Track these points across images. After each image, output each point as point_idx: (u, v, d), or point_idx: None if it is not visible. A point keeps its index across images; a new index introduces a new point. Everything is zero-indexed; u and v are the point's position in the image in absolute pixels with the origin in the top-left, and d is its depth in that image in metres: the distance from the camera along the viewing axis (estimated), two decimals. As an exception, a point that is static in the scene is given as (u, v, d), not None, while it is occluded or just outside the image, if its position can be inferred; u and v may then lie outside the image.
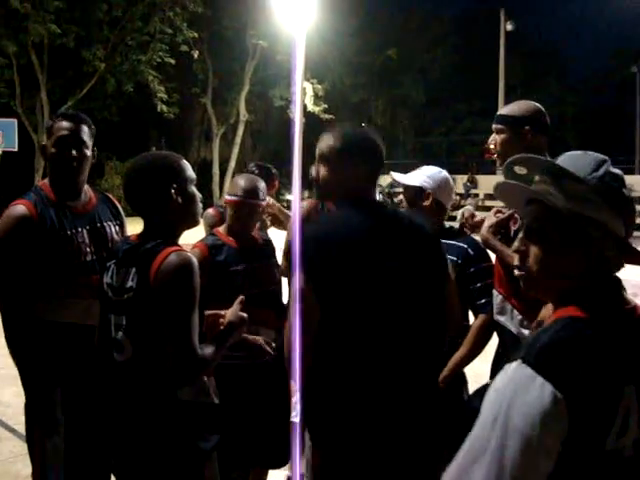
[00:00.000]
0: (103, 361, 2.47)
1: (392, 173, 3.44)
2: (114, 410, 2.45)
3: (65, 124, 3.02)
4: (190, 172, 2.51)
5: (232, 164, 32.80)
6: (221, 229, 3.56)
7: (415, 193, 3.37)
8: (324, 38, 29.35)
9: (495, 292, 3.24)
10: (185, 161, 2.53)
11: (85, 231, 3.02)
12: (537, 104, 3.22)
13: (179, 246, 2.37)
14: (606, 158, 1.57)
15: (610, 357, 1.42)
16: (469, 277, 3.28)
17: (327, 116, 30.59)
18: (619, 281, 1.56)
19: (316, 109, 30.63)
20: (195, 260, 2.31)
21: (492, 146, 3.26)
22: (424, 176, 3.40)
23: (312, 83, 30.36)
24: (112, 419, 2.46)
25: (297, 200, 3.35)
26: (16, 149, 25.45)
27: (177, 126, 35.43)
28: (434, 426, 2.55)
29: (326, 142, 2.57)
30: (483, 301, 3.29)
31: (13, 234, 2.87)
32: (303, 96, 24.98)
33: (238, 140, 33.74)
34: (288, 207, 5.12)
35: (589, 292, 1.52)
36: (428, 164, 3.56)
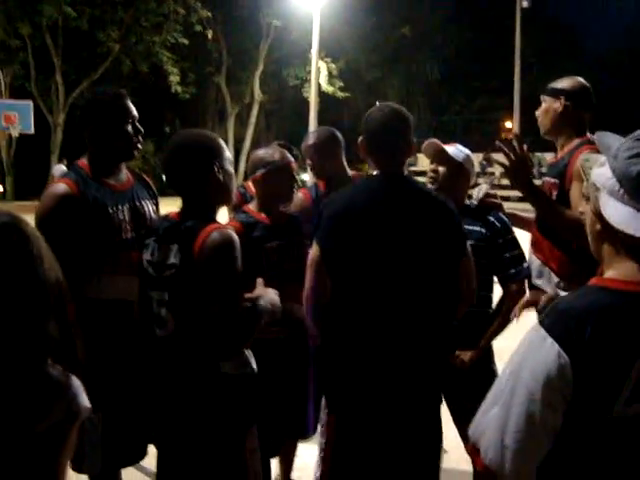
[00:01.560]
0: (145, 336, 2.52)
1: (443, 145, 3.44)
2: (156, 384, 2.49)
3: (131, 104, 3.07)
4: (228, 151, 2.55)
5: (247, 144, 32.81)
6: (251, 206, 3.56)
7: (456, 168, 3.41)
8: (338, 16, 29.17)
9: (533, 257, 3.43)
10: (222, 140, 2.57)
11: (125, 209, 3.04)
12: (584, 81, 3.44)
13: (219, 223, 2.41)
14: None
15: (623, 329, 1.48)
16: (499, 248, 3.37)
17: (342, 94, 30.52)
18: None
19: (330, 89, 30.55)
20: (236, 237, 2.35)
21: (541, 113, 3.48)
22: (463, 154, 3.45)
23: (326, 62, 30.25)
24: (154, 393, 2.51)
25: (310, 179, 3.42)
26: (32, 132, 25.54)
27: (191, 106, 35.38)
28: (434, 389, 2.83)
29: None
30: (513, 271, 3.40)
31: (57, 212, 2.86)
32: (317, 75, 24.88)
33: (253, 120, 33.74)
34: (304, 186, 5.22)
35: (621, 264, 1.56)
36: (445, 142, 3.59)
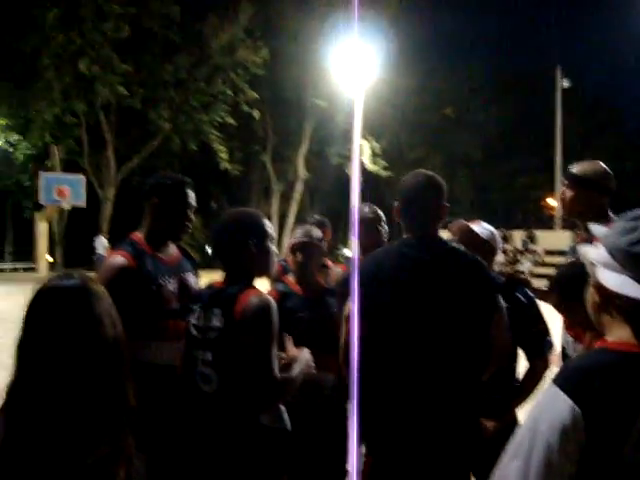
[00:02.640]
0: (188, 392, 2.76)
1: (469, 224, 3.73)
2: (200, 435, 2.71)
3: (193, 194, 3.43)
4: (269, 229, 2.86)
5: (291, 220, 33.33)
6: (290, 278, 3.84)
7: (481, 245, 3.63)
8: (382, 97, 29.85)
9: (566, 336, 3.51)
10: (266, 220, 2.87)
11: (174, 281, 3.32)
12: (604, 166, 3.59)
13: (257, 289, 2.67)
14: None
15: (625, 383, 1.69)
16: (524, 322, 3.50)
17: (385, 173, 31.00)
18: None
19: (374, 168, 31.06)
20: (273, 301, 2.61)
21: (561, 197, 3.68)
22: (488, 231, 3.71)
23: (369, 141, 30.84)
24: (195, 445, 2.73)
25: (356, 250, 3.68)
26: (84, 205, 26.39)
27: (237, 183, 36.22)
28: (462, 441, 2.91)
29: None
30: (538, 345, 3.54)
31: (116, 282, 3.12)
32: (360, 154, 25.41)
33: (297, 196, 34.32)
34: (346, 261, 5.45)
35: (619, 329, 1.79)
36: (486, 220, 3.83)
